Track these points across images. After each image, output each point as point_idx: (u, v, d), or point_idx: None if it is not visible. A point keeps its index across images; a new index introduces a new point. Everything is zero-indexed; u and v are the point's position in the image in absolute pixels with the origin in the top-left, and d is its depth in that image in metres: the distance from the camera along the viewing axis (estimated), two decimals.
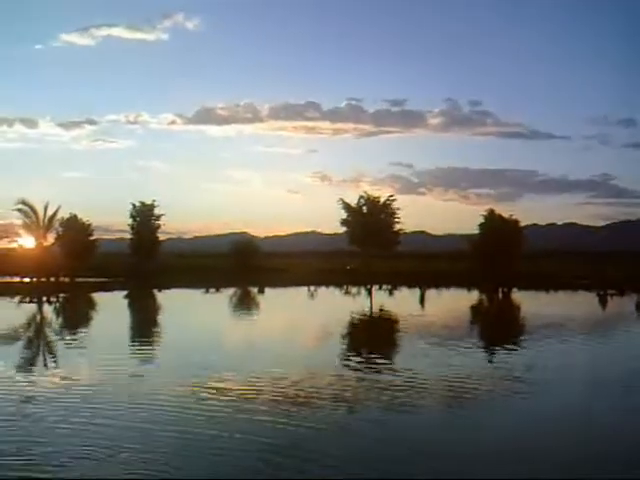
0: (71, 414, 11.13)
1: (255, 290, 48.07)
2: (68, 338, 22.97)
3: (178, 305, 40.01)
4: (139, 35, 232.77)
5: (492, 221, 66.50)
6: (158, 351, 20.18)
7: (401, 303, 41.20)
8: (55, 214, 57.29)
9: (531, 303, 41.62)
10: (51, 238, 58.61)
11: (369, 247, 69.43)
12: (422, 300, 39.62)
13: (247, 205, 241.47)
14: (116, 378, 14.58)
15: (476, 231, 67.69)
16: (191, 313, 33.60)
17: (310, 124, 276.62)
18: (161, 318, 31.44)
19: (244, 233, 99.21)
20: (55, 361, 18.22)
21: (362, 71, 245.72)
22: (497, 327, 28.59)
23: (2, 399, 12.52)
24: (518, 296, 47.54)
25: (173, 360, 17.49)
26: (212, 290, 47.86)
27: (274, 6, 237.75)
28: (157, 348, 20.89)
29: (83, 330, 26.11)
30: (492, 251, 61.32)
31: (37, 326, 27.76)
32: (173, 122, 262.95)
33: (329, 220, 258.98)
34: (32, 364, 17.77)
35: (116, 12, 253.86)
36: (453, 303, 41.95)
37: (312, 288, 49.18)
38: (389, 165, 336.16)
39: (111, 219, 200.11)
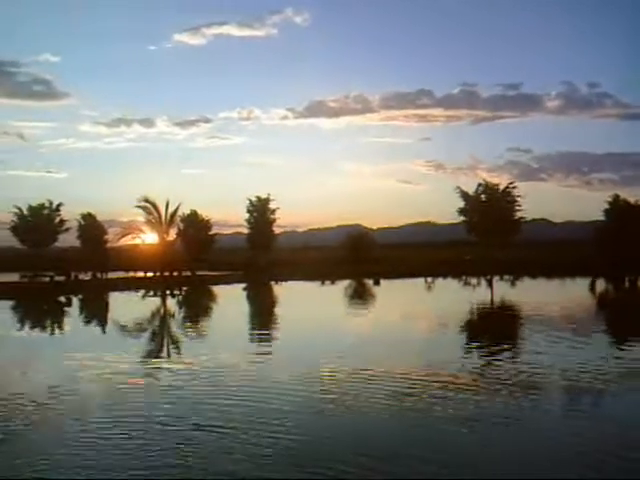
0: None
1: (371, 282, 47.56)
2: (197, 328, 23.62)
3: (297, 297, 40.17)
4: (249, 32, 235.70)
5: (618, 207, 63.00)
6: (285, 340, 20.07)
7: (526, 294, 39.49)
8: (176, 210, 58.95)
9: None
10: (173, 234, 60.36)
11: (488, 236, 67.32)
12: (592, 288, 37.22)
13: (360, 196, 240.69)
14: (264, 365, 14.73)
15: (599, 218, 64.45)
16: (311, 305, 33.58)
17: (422, 112, 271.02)
18: (283, 310, 31.53)
19: (357, 225, 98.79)
20: (195, 349, 18.50)
21: (475, 55, 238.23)
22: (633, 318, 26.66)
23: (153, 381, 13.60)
24: None
25: (301, 349, 17.54)
26: (328, 282, 47.80)
27: None
28: (283, 338, 20.82)
29: (209, 321, 26.77)
30: (618, 238, 58.05)
31: (164, 318, 28.52)
32: (285, 117, 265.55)
33: (445, 210, 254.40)
34: (165, 352, 18.60)
35: (226, 10, 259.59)
36: (580, 293, 39.71)
37: (429, 279, 48.22)
38: (506, 151, 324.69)
39: (227, 214, 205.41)
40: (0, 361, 16.44)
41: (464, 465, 8.28)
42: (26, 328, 26.00)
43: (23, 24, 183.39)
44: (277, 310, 31.67)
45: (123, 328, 24.16)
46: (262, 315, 29.34)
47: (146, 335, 22.89)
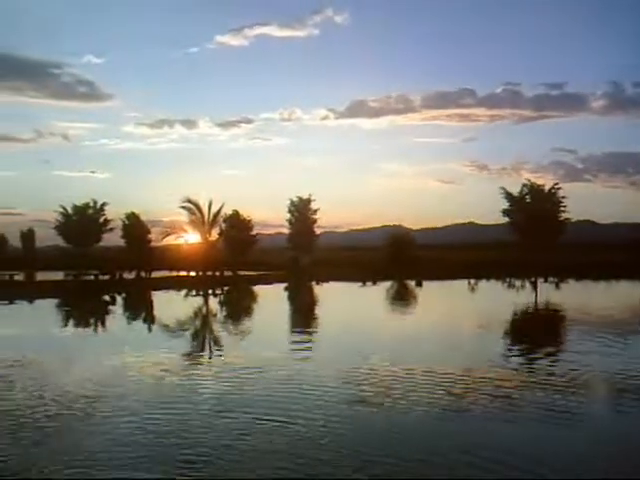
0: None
1: (412, 283, 47.15)
2: (239, 327, 23.72)
3: (338, 297, 40.03)
4: (290, 32, 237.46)
5: None
6: (329, 339, 19.94)
7: (571, 296, 38.70)
8: (219, 211, 59.38)
9: None
10: (215, 234, 60.75)
11: (533, 238, 66.38)
12: None
13: (401, 197, 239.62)
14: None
15: None
16: (353, 305, 33.35)
17: (465, 111, 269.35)
18: (325, 310, 31.42)
19: (398, 226, 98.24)
20: (239, 346, 18.55)
21: (518, 55, 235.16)
22: None
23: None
24: None
25: (346, 347, 17.38)
26: (369, 283, 47.50)
27: None
28: (327, 337, 20.69)
29: (251, 320, 26.81)
30: None
31: (206, 317, 28.64)
32: (326, 117, 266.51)
33: (488, 210, 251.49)
34: (208, 350, 18.66)
35: (267, 11, 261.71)
36: (626, 295, 38.77)
37: (472, 281, 47.64)
38: (551, 151, 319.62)
39: (267, 214, 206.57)
40: (47, 358, 16.59)
41: (515, 464, 8.10)
42: (71, 326, 26.34)
43: (66, 26, 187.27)
44: (319, 310, 31.58)
45: (166, 326, 24.31)
46: (304, 314, 29.26)
47: (189, 333, 23.01)
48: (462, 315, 28.10)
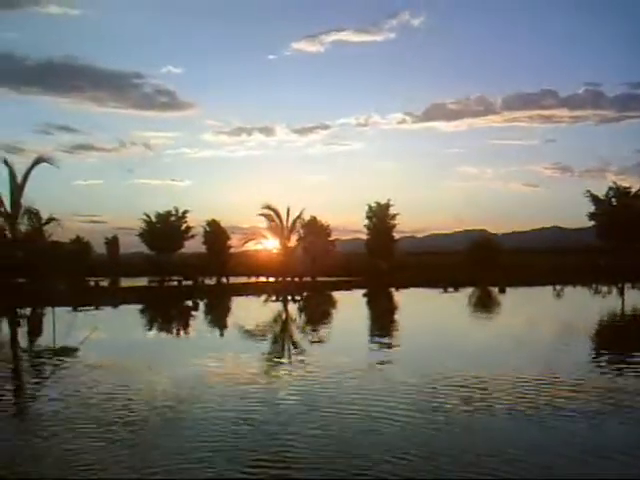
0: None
1: (496, 290, 46.03)
2: (319, 333, 23.60)
3: (418, 303, 39.52)
4: (366, 37, 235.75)
5: None
6: (409, 346, 19.59)
7: None
8: (298, 217, 59.68)
9: None
10: (294, 240, 61.10)
11: (619, 242, 64.11)
12: None
13: (482, 201, 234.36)
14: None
15: None
16: (435, 312, 32.85)
17: (546, 113, 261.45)
18: (405, 316, 31.02)
19: (481, 230, 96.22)
20: (318, 352, 18.32)
21: (600, 54, 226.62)
22: None
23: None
24: None
25: (426, 356, 16.99)
26: (450, 290, 46.64)
27: None
28: (407, 344, 20.33)
29: (330, 326, 26.67)
30: None
31: (286, 322, 28.71)
32: (403, 121, 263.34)
33: (573, 214, 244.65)
34: (288, 354, 18.59)
35: (343, 17, 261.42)
36: None
37: (558, 287, 46.16)
38: (635, 152, 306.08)
39: (344, 219, 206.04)
40: (138, 361, 16.89)
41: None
42: (157, 331, 26.86)
43: (146, 37, 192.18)
44: (399, 317, 31.17)
45: (247, 331, 24.45)
46: (384, 321, 28.93)
47: (269, 338, 23.08)
48: (548, 322, 27.16)
